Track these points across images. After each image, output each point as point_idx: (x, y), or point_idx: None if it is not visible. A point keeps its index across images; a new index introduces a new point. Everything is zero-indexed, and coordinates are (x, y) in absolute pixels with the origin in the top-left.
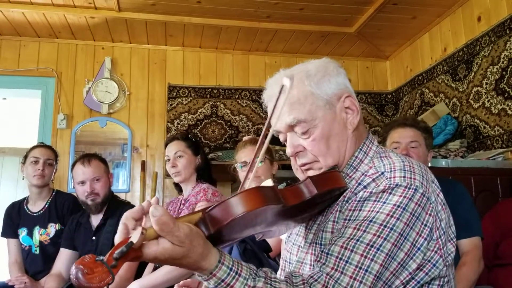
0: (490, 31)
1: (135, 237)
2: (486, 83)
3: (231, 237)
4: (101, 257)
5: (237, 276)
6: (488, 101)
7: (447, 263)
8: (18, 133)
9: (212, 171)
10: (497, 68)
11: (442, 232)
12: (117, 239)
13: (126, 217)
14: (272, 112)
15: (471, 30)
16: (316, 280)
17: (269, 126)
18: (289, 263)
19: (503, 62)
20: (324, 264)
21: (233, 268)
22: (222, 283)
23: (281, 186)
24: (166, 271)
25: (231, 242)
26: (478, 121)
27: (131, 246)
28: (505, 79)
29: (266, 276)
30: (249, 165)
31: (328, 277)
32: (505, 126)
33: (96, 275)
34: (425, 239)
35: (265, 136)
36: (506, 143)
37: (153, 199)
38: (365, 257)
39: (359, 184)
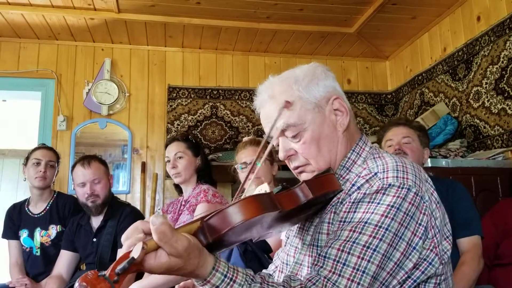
0: (490, 30)
1: (136, 252)
2: (486, 83)
3: (229, 242)
4: (104, 273)
5: (231, 282)
6: (488, 100)
7: (443, 261)
8: (18, 135)
9: (212, 172)
10: (496, 68)
11: (437, 230)
12: (124, 249)
13: (136, 227)
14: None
15: (471, 30)
16: (314, 284)
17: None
18: (287, 264)
19: (502, 62)
20: (321, 267)
21: (228, 274)
22: None
23: (276, 189)
24: None
25: (229, 247)
26: (478, 121)
27: (132, 262)
28: (505, 78)
29: (263, 281)
30: (250, 166)
31: (326, 280)
32: (505, 126)
33: None
34: (420, 238)
35: (265, 147)
36: (506, 143)
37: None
38: (362, 258)
39: (353, 185)
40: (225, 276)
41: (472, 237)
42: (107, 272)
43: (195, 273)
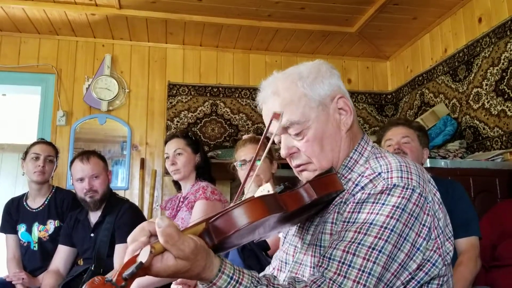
0: (491, 32)
1: (144, 257)
2: (486, 84)
3: (233, 244)
4: (110, 278)
5: (237, 284)
6: (488, 102)
7: (446, 262)
8: (18, 129)
9: (212, 170)
10: (497, 70)
11: (440, 231)
12: (129, 251)
13: (143, 228)
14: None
15: (472, 31)
16: (319, 286)
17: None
18: (286, 263)
19: (503, 64)
20: (326, 268)
21: (234, 277)
22: None
23: (278, 189)
24: None
25: (232, 249)
26: (477, 122)
27: (141, 266)
28: (505, 80)
29: (269, 282)
30: (249, 164)
31: (331, 282)
32: (504, 127)
33: None
34: (424, 239)
35: (264, 142)
36: (505, 144)
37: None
38: (368, 260)
39: (356, 185)
40: (231, 278)
41: (470, 238)
42: (114, 277)
43: (201, 275)
